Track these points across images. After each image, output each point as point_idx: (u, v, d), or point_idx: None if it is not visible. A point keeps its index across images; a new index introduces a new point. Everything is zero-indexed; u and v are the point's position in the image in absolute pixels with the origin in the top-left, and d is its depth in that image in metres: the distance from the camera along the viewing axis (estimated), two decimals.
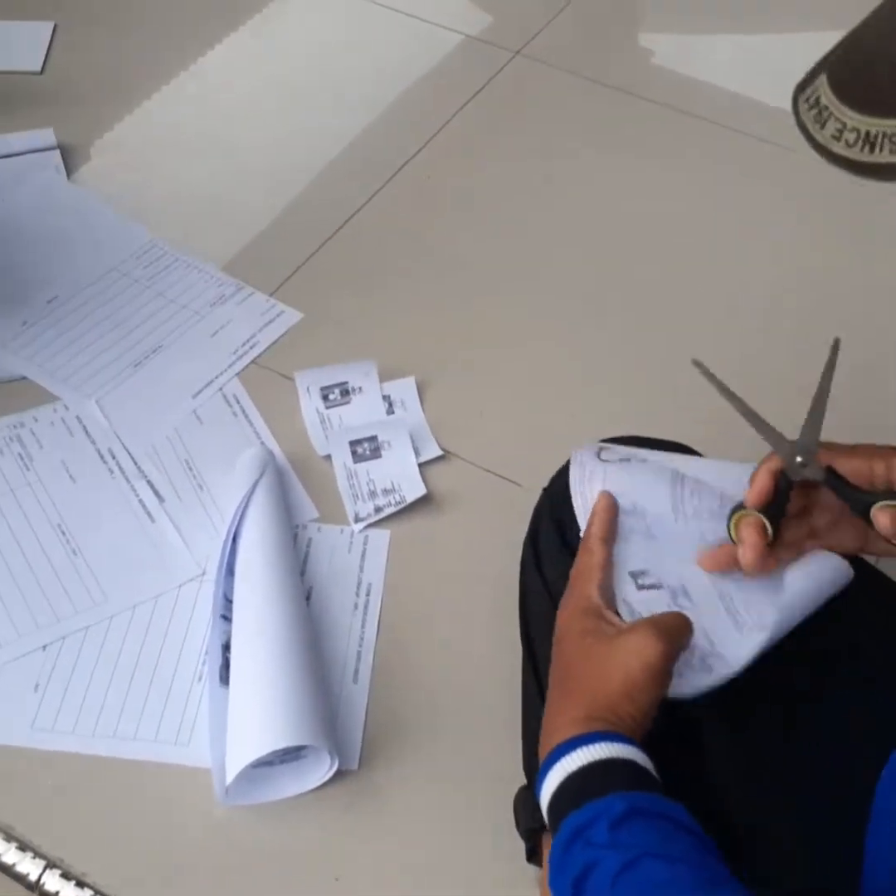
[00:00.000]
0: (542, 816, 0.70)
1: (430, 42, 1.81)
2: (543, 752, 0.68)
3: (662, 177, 1.59)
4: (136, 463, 1.20)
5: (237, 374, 1.31)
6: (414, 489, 1.20)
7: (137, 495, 1.18)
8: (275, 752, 0.95)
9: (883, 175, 0.47)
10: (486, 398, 1.31)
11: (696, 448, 0.90)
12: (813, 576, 0.74)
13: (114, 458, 1.21)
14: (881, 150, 0.46)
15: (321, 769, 0.97)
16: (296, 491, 1.20)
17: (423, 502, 1.21)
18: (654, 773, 0.66)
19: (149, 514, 1.16)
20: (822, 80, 0.48)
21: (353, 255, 1.47)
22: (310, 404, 1.28)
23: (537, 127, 1.67)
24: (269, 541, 1.10)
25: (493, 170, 1.60)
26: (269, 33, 1.82)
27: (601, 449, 0.83)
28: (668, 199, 1.56)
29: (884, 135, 0.46)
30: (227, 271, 1.43)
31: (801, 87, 0.49)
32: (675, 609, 0.76)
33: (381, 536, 1.18)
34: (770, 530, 0.72)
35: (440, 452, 1.25)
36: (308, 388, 1.29)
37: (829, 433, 0.76)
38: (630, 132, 1.66)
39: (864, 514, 0.70)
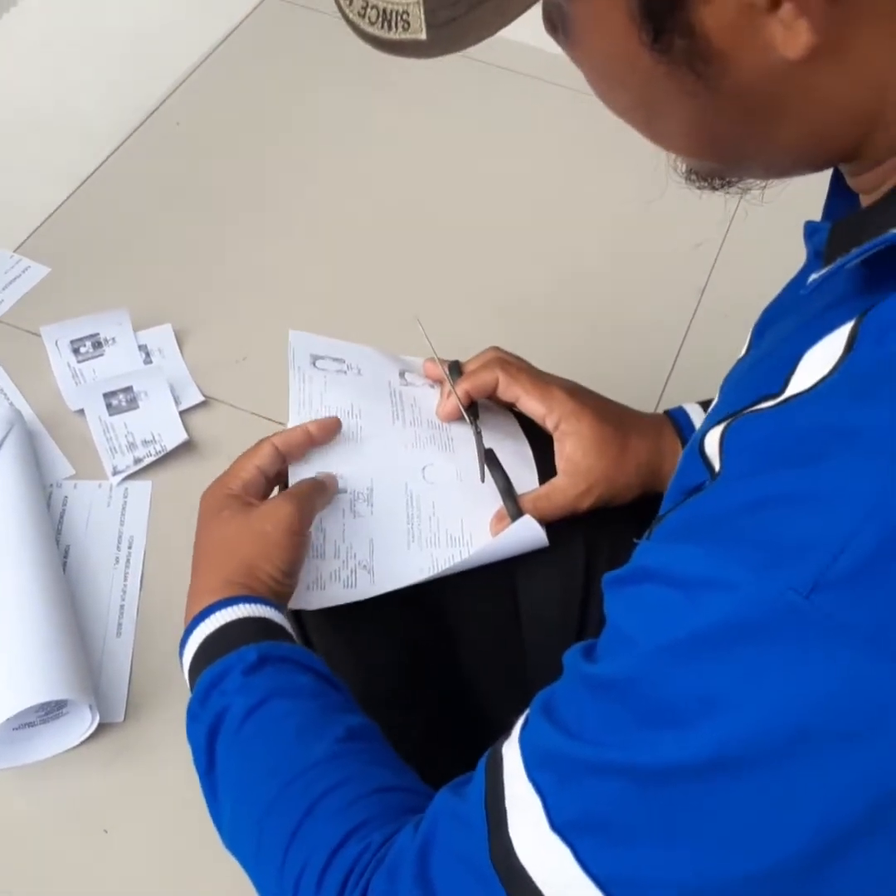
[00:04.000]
0: None
1: None
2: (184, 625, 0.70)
3: (432, 117, 1.59)
4: None
5: None
6: (174, 436, 1.17)
7: None
8: (34, 711, 0.91)
9: (401, 51, 0.48)
10: (248, 342, 1.29)
11: None
12: (511, 535, 0.73)
13: None
14: (395, 27, 0.47)
15: (83, 724, 0.94)
16: (48, 449, 1.15)
17: (187, 450, 1.18)
18: (289, 630, 0.69)
19: None
20: None
21: (102, 205, 1.42)
22: (60, 359, 1.23)
23: (296, 68, 1.64)
24: (15, 501, 1.05)
25: (246, 114, 1.56)
26: None
27: (316, 359, 0.82)
28: (434, 140, 1.56)
29: (397, 12, 0.47)
30: None
31: None
32: (350, 515, 0.76)
33: (143, 488, 1.14)
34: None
35: (202, 398, 1.22)
36: (57, 343, 1.24)
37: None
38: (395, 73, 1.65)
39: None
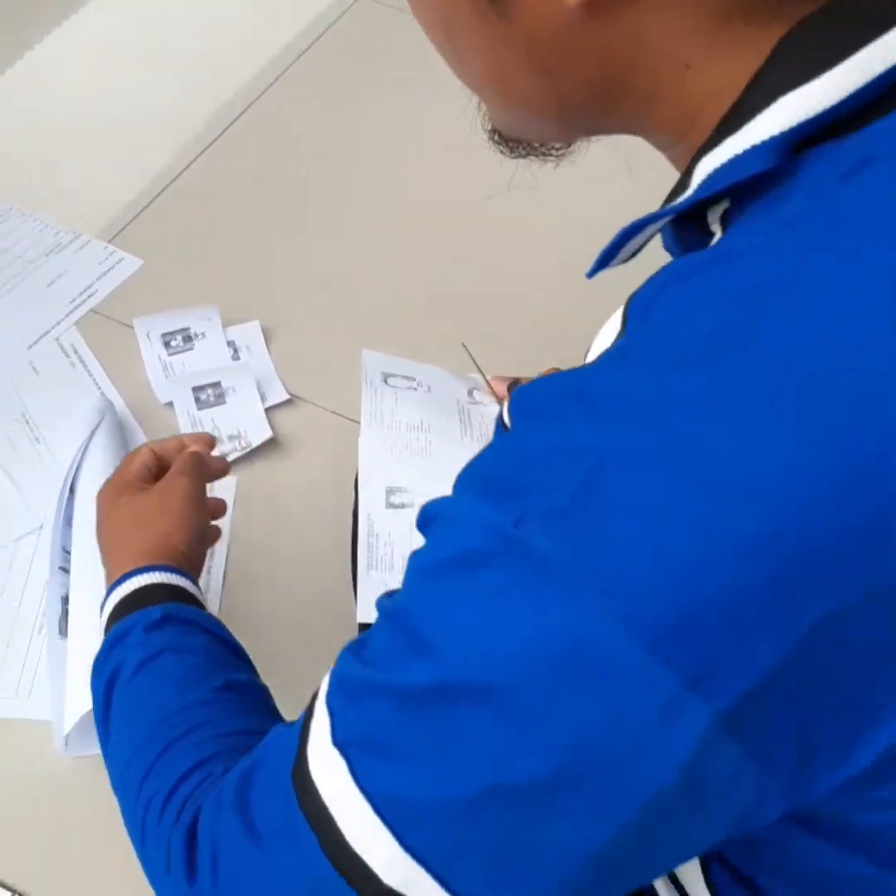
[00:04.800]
0: None
1: None
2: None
3: None
4: None
5: (75, 323, 1.28)
6: (260, 433, 1.19)
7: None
8: None
9: None
10: (333, 341, 1.30)
11: None
12: None
13: None
14: None
15: None
16: (137, 439, 1.18)
17: (271, 446, 1.20)
18: (201, 598, 0.76)
19: None
20: None
21: (194, 200, 1.45)
22: (151, 351, 1.26)
23: (385, 71, 1.65)
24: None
25: (336, 115, 1.58)
26: None
27: (388, 376, 0.84)
28: None
29: None
30: (63, 220, 1.39)
31: None
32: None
33: (228, 483, 1.16)
34: None
35: (287, 396, 1.24)
36: (148, 335, 1.27)
37: None
38: None
39: None
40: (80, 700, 0.92)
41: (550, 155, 0.62)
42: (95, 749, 0.95)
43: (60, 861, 0.94)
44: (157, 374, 1.24)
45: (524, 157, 0.62)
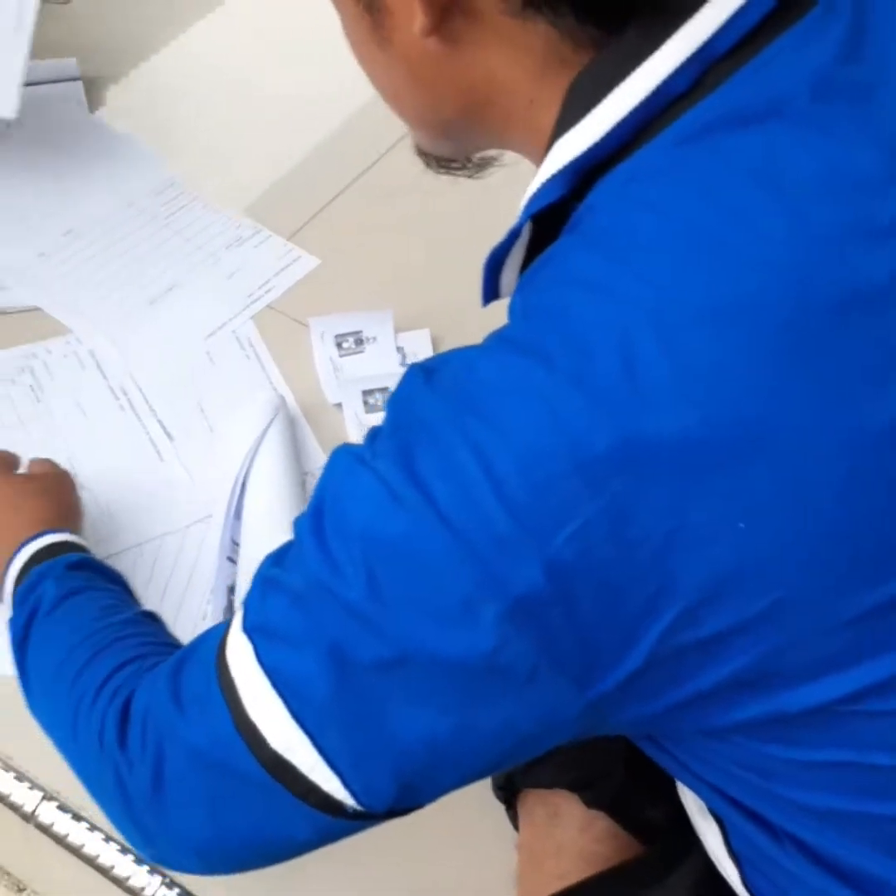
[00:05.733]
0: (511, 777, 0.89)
1: None
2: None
3: None
4: (147, 401, 1.20)
5: (252, 317, 1.30)
6: None
7: (148, 433, 1.17)
8: None
9: None
10: None
11: None
12: None
13: (125, 394, 1.20)
14: None
15: None
16: (306, 437, 1.20)
17: None
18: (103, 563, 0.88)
19: (158, 452, 1.16)
20: None
21: (373, 202, 1.46)
22: (323, 351, 1.28)
23: None
24: (277, 486, 1.10)
25: None
26: None
27: None
28: None
29: None
30: (246, 214, 1.42)
31: None
32: None
33: None
34: None
35: None
36: (322, 335, 1.28)
37: None
38: None
39: None
40: None
41: (461, 170, 0.74)
42: None
43: None
44: (328, 374, 1.26)
45: (443, 171, 0.74)
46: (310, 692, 0.55)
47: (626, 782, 0.86)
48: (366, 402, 1.22)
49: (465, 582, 0.49)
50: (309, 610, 0.55)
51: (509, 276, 0.65)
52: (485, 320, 1.37)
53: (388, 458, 0.52)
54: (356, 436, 1.20)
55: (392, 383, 1.22)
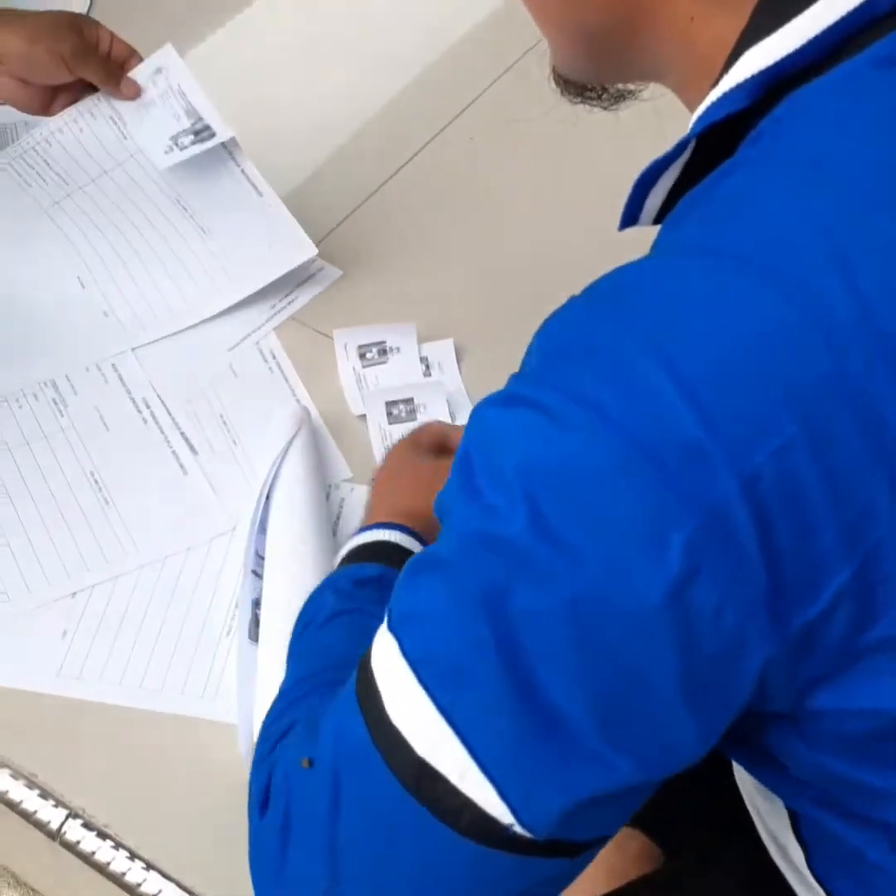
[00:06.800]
0: None
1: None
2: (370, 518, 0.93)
3: None
4: (170, 414, 1.19)
5: (274, 329, 1.29)
6: None
7: (171, 447, 1.16)
8: None
9: None
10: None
11: None
12: None
13: (148, 407, 1.20)
14: None
15: None
16: (330, 449, 1.19)
17: None
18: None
19: (182, 466, 1.15)
20: None
21: (395, 213, 1.45)
22: (347, 363, 1.27)
23: None
24: (302, 499, 1.09)
25: (539, 131, 1.56)
26: None
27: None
28: None
29: None
30: None
31: None
32: None
33: None
34: None
35: None
36: (346, 346, 1.28)
37: None
38: None
39: None
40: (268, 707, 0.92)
41: (596, 101, 0.72)
42: None
43: (230, 863, 0.95)
44: (351, 385, 1.25)
45: (578, 100, 0.73)
46: (458, 668, 0.49)
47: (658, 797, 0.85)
48: (390, 413, 1.22)
49: (647, 499, 0.44)
50: (458, 568, 0.49)
51: (654, 200, 0.61)
52: (509, 331, 1.36)
53: (543, 386, 0.48)
54: (381, 447, 1.19)
55: (416, 393, 1.23)
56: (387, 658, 0.52)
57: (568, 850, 0.52)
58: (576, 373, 0.48)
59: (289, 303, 1.32)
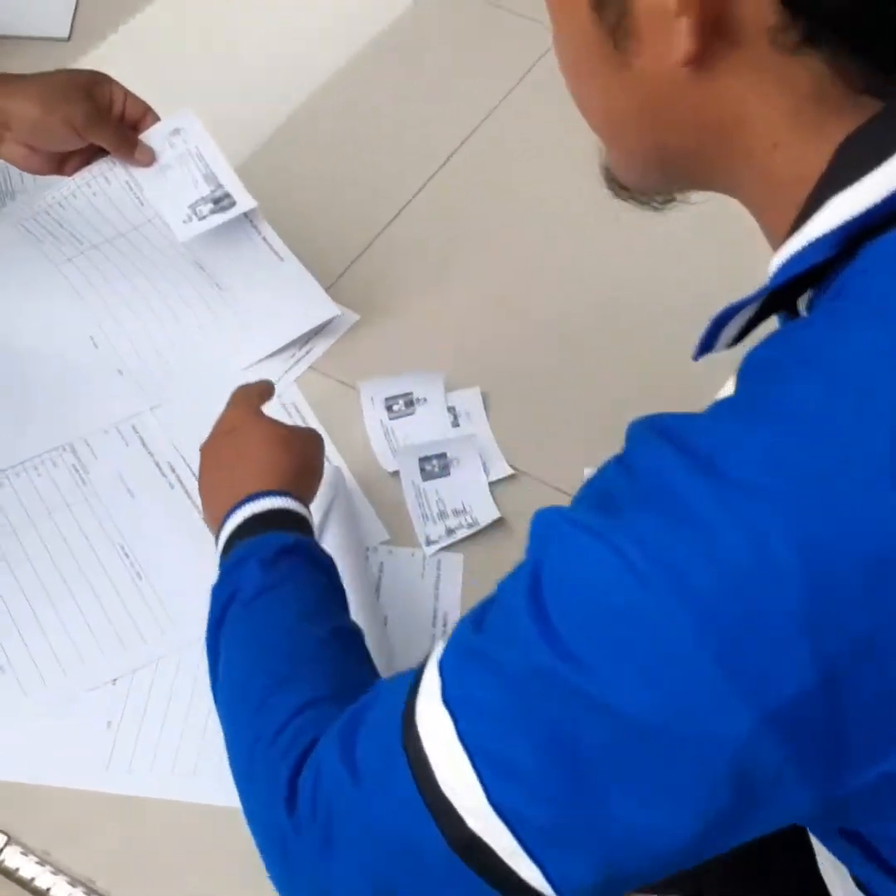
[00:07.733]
0: None
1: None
2: (219, 513, 0.88)
3: None
4: (196, 477, 1.14)
5: (295, 380, 1.25)
6: (486, 511, 1.15)
7: (200, 512, 1.12)
8: None
9: None
10: (557, 413, 1.26)
11: None
12: None
13: (173, 471, 1.15)
14: None
15: None
16: (364, 510, 1.15)
17: (495, 524, 1.16)
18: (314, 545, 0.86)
19: None
20: None
21: (407, 250, 1.41)
22: (374, 416, 1.23)
23: None
24: (345, 568, 1.05)
25: (544, 152, 1.53)
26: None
27: None
28: None
29: None
30: None
31: None
32: None
33: (455, 561, 1.13)
34: None
35: (510, 471, 1.20)
36: (372, 399, 1.24)
37: None
38: None
39: None
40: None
41: (652, 204, 0.70)
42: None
43: None
44: (380, 439, 1.21)
45: (629, 200, 0.71)
46: (518, 778, 0.52)
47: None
48: (423, 469, 1.18)
49: (719, 679, 0.46)
50: (529, 694, 0.51)
51: (730, 332, 0.61)
52: (537, 376, 1.32)
53: (626, 531, 0.49)
54: (415, 505, 1.15)
55: (449, 448, 1.19)
56: (440, 730, 0.54)
57: None
58: (661, 526, 0.48)
59: (307, 352, 1.28)
